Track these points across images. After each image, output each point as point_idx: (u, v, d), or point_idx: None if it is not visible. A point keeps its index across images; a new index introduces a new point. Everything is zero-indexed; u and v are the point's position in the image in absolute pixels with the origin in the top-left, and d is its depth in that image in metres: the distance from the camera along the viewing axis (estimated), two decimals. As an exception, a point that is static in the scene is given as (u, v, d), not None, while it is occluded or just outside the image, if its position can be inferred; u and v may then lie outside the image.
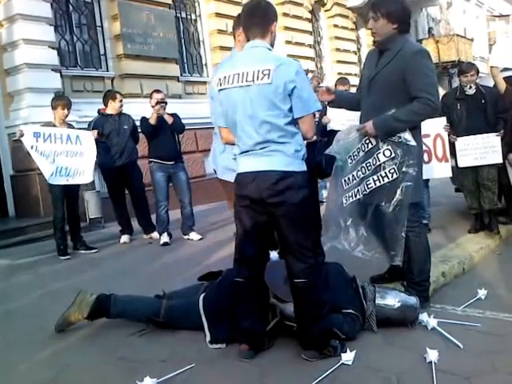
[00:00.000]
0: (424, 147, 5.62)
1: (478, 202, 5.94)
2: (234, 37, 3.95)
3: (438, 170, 5.69)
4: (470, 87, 5.74)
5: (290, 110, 2.87)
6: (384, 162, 3.48)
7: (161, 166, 6.55)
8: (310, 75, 3.93)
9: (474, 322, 3.51)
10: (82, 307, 3.56)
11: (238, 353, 3.12)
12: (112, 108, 6.77)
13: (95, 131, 6.46)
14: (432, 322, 3.41)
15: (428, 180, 5.99)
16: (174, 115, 6.63)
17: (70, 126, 6.57)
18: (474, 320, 3.56)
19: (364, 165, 3.60)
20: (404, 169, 3.44)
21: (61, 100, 6.35)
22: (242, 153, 3.01)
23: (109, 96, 6.85)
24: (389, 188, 3.49)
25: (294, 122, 2.92)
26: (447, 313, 3.73)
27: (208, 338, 3.31)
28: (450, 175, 5.99)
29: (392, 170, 3.47)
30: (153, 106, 6.47)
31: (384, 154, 3.48)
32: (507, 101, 5.89)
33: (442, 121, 5.74)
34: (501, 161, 5.74)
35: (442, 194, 7.81)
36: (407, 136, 3.41)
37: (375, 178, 3.55)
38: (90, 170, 6.35)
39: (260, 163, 2.91)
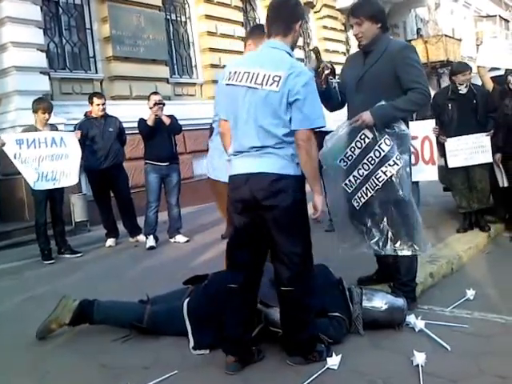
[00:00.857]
0: (412, 149, 5.62)
1: (467, 202, 5.93)
2: (245, 45, 3.90)
3: (424, 173, 5.63)
4: (466, 86, 5.72)
5: (291, 120, 2.79)
6: (388, 151, 3.43)
7: (155, 167, 6.54)
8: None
9: (461, 323, 3.48)
10: (65, 313, 3.50)
11: (225, 366, 2.98)
12: (93, 111, 6.71)
13: (78, 132, 6.40)
14: (419, 324, 3.37)
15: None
16: (172, 117, 6.62)
17: (54, 128, 6.49)
18: (462, 321, 3.53)
19: (366, 161, 3.53)
20: (402, 155, 3.45)
21: (41, 103, 6.26)
22: (236, 153, 2.93)
23: (89, 99, 6.80)
24: (400, 177, 3.44)
25: (293, 133, 2.81)
26: (435, 314, 3.70)
27: (192, 343, 3.25)
28: (437, 178, 5.98)
29: (398, 157, 3.43)
30: (151, 108, 6.47)
31: (385, 143, 3.43)
32: (494, 100, 5.89)
33: (431, 123, 5.73)
34: (491, 160, 5.74)
35: (430, 193, 7.77)
36: (402, 126, 3.45)
37: (384, 169, 3.46)
38: (76, 172, 6.29)
39: (254, 165, 2.83)
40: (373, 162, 3.50)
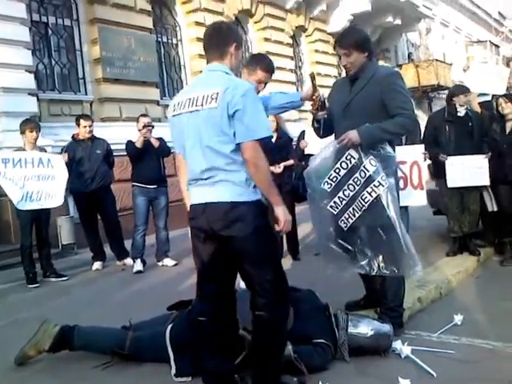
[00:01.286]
0: (400, 174, 5.62)
1: (459, 226, 5.93)
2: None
3: (412, 198, 5.64)
4: (466, 108, 5.76)
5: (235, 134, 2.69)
6: (373, 172, 3.41)
7: (142, 189, 6.49)
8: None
9: (448, 349, 3.44)
10: (45, 338, 3.43)
11: None
12: (80, 133, 6.69)
13: (66, 155, 6.36)
14: (406, 350, 3.33)
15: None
16: (160, 139, 6.57)
17: (42, 150, 6.46)
18: (449, 347, 3.49)
19: (351, 181, 3.50)
20: (388, 178, 3.42)
21: (28, 123, 6.25)
22: (191, 181, 2.86)
23: (76, 121, 6.78)
24: (386, 198, 3.40)
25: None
26: (422, 340, 3.66)
27: (173, 370, 3.19)
28: (425, 203, 5.98)
29: (384, 178, 3.41)
30: (139, 130, 6.43)
31: (371, 163, 3.41)
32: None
33: (420, 148, 5.75)
34: (488, 183, 5.73)
35: (421, 216, 7.76)
36: (388, 148, 3.45)
37: (369, 190, 3.44)
38: (61, 193, 6.22)
39: (208, 194, 2.74)
40: (358, 182, 3.47)
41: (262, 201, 2.77)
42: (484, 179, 5.72)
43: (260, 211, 2.75)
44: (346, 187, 3.53)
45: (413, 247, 3.41)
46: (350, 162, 3.48)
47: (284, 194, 4.48)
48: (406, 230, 3.44)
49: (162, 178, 6.70)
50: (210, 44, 2.92)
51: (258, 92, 3.57)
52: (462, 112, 5.76)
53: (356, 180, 3.48)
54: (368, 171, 3.42)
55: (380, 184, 3.39)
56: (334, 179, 3.57)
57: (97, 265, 6.85)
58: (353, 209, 3.53)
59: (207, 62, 2.96)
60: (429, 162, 6.08)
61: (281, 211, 2.75)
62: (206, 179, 2.74)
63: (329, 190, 3.61)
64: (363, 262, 3.51)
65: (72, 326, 3.49)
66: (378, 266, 3.47)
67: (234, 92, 2.64)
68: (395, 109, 3.47)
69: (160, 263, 6.64)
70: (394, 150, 3.60)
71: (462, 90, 5.92)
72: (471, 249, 5.98)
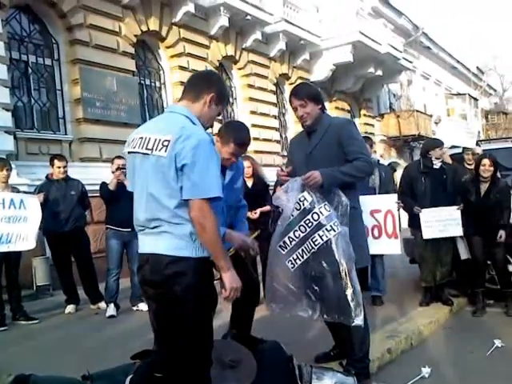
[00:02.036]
0: (375, 222, 5.69)
1: (432, 276, 5.94)
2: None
3: (387, 246, 5.69)
4: (442, 161, 5.86)
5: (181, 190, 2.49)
6: (326, 217, 3.44)
7: (116, 232, 6.37)
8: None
9: (414, 404, 3.38)
10: (-2, 388, 3.28)
11: None
12: (54, 173, 6.64)
13: (41, 195, 6.28)
14: (370, 404, 3.27)
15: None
16: None
17: (15, 190, 6.37)
18: (414, 401, 3.44)
19: (303, 223, 3.51)
20: (342, 226, 3.44)
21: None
22: (137, 227, 2.68)
23: (50, 161, 6.73)
24: (337, 243, 3.41)
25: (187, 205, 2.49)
26: (389, 393, 3.60)
27: (131, 423, 3.06)
28: (399, 252, 6.04)
29: (336, 223, 3.43)
30: (113, 172, 6.36)
31: (325, 208, 3.44)
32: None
33: (393, 197, 5.82)
34: (461, 233, 5.82)
35: (399, 264, 7.79)
36: (343, 197, 3.49)
37: (321, 233, 3.44)
38: (34, 236, 6.09)
39: (153, 244, 2.56)
40: (310, 224, 3.48)
41: (207, 259, 2.54)
42: (458, 230, 5.80)
43: (202, 270, 2.52)
44: (297, 228, 3.54)
45: (360, 296, 3.38)
46: (303, 204, 3.51)
47: (261, 239, 4.47)
48: (356, 278, 3.41)
49: None
50: (189, 83, 2.77)
51: (230, 165, 3.60)
52: (437, 165, 5.86)
53: (308, 222, 3.49)
54: (322, 214, 3.44)
55: (332, 229, 3.41)
56: (287, 219, 3.59)
57: (70, 308, 6.69)
58: (302, 250, 3.53)
59: (178, 101, 2.81)
60: (402, 211, 6.14)
61: (228, 277, 2.52)
62: (152, 228, 2.57)
63: (281, 230, 3.62)
64: (306, 306, 3.49)
65: (27, 375, 3.30)
66: (321, 310, 3.44)
67: (185, 143, 2.43)
68: (354, 154, 3.59)
69: (135, 308, 6.50)
70: (358, 201, 3.76)
71: (437, 143, 6.06)
72: (444, 299, 5.99)
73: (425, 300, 5.98)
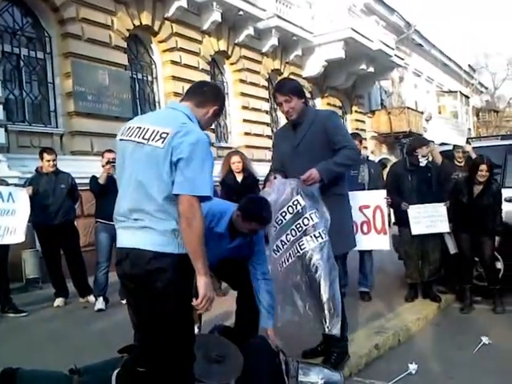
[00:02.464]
0: (364, 218, 5.72)
1: (417, 273, 5.99)
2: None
3: (375, 242, 5.73)
4: (427, 159, 5.89)
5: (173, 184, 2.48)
6: (316, 223, 3.53)
7: (106, 226, 6.31)
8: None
9: (401, 399, 3.42)
10: (-16, 382, 3.28)
11: None
12: (44, 166, 6.62)
13: (30, 188, 6.26)
14: (356, 400, 3.30)
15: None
16: None
17: (3, 183, 6.35)
18: (401, 397, 3.47)
19: (294, 227, 3.61)
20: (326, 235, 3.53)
21: None
22: (118, 218, 2.67)
23: (39, 154, 6.70)
24: (321, 252, 3.50)
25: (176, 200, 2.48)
26: (375, 389, 3.63)
27: (119, 418, 3.06)
28: (388, 248, 6.08)
29: (324, 232, 3.52)
30: (103, 166, 6.34)
31: (316, 215, 3.53)
32: (443, 173, 6.09)
33: (382, 193, 5.86)
34: (448, 230, 5.89)
35: (388, 260, 7.82)
36: (325, 209, 3.58)
37: (308, 238, 3.54)
38: (22, 229, 6.07)
39: (134, 238, 2.54)
40: (300, 229, 3.58)
41: (189, 256, 2.51)
42: (444, 226, 5.86)
43: (184, 266, 2.50)
44: (289, 232, 3.65)
45: (340, 306, 3.47)
46: (296, 208, 3.59)
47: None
48: (338, 287, 3.52)
49: None
50: (196, 89, 2.82)
51: (250, 237, 3.57)
52: (423, 162, 5.90)
53: (298, 226, 3.58)
54: (312, 220, 3.53)
55: (320, 236, 3.50)
56: (280, 222, 3.68)
57: (58, 301, 6.68)
58: (289, 254, 3.64)
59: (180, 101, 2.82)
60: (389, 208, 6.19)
61: (203, 283, 2.49)
62: (133, 220, 2.55)
63: (274, 234, 3.72)
64: (291, 307, 3.60)
65: (14, 369, 3.30)
66: (304, 312, 3.54)
67: (183, 138, 2.44)
68: (341, 142, 3.72)
69: (123, 301, 6.49)
70: (346, 188, 3.94)
71: (424, 142, 6.13)
72: (432, 295, 6.04)
73: (410, 295, 6.05)
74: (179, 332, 2.56)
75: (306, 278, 3.56)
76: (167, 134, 2.47)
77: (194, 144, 2.44)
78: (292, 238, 3.60)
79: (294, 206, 3.57)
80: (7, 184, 6.44)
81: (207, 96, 2.75)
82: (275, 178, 3.76)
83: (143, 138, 2.54)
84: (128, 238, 2.58)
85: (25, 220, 6.10)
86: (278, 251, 3.71)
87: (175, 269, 2.48)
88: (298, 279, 3.58)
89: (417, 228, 5.86)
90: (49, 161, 6.57)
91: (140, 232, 2.52)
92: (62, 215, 6.56)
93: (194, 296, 2.53)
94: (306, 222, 3.54)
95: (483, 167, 5.65)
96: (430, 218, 5.85)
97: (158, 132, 2.51)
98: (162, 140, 2.47)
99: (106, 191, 6.23)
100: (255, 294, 3.62)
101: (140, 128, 2.59)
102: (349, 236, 3.94)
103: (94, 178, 6.44)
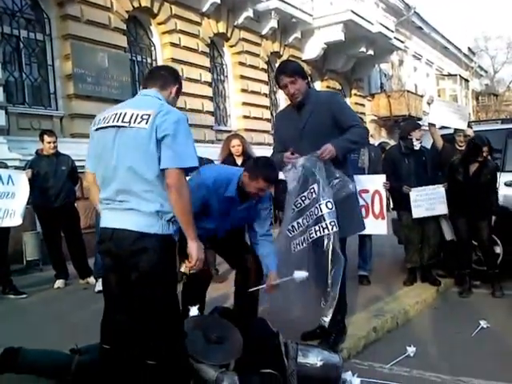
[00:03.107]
0: (362, 202, 5.72)
1: (417, 256, 6.02)
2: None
3: (373, 227, 5.72)
4: (420, 142, 5.89)
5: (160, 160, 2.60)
6: (327, 213, 3.55)
7: None
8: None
9: (398, 381, 3.47)
10: (-13, 361, 3.32)
11: None
12: (44, 149, 6.62)
13: (29, 171, 6.27)
14: (355, 382, 3.34)
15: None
16: None
17: (2, 165, 6.35)
18: (399, 379, 3.52)
19: (308, 213, 3.66)
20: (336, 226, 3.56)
21: None
22: (103, 201, 2.75)
23: (40, 136, 6.69)
24: (326, 242, 3.56)
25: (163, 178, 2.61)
26: (374, 371, 3.67)
27: (119, 396, 3.11)
28: (385, 233, 6.09)
29: (333, 223, 3.53)
30: None
31: (327, 205, 3.55)
32: (444, 157, 6.07)
33: (381, 178, 5.85)
34: (447, 212, 5.88)
35: (388, 244, 7.84)
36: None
37: (316, 228, 3.60)
38: (20, 212, 6.08)
39: (119, 219, 2.65)
40: (312, 216, 3.63)
41: (172, 237, 2.67)
42: (443, 208, 5.88)
43: (167, 247, 2.65)
44: (305, 216, 3.69)
45: (335, 301, 3.54)
46: (312, 196, 3.62)
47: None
48: (339, 281, 3.57)
49: None
50: (154, 74, 2.95)
51: (259, 198, 3.69)
52: (417, 146, 5.90)
53: (311, 214, 3.63)
54: (321, 211, 3.56)
55: (327, 227, 3.54)
56: (298, 205, 3.73)
57: (59, 283, 6.71)
58: (303, 238, 3.70)
59: (144, 88, 2.93)
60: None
61: (194, 247, 2.67)
62: (118, 202, 2.66)
63: (291, 214, 3.76)
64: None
65: (16, 348, 3.36)
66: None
67: (166, 117, 2.59)
68: (349, 122, 3.76)
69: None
70: (351, 170, 4.03)
71: (416, 125, 6.11)
72: (431, 279, 6.06)
73: (409, 280, 6.08)
74: (165, 309, 2.66)
75: (312, 264, 3.63)
76: (149, 115, 2.58)
77: (177, 122, 2.58)
78: (306, 224, 3.67)
79: (311, 194, 3.62)
80: (6, 166, 6.45)
81: (166, 78, 2.90)
82: (292, 153, 3.72)
83: (123, 121, 2.63)
84: (113, 218, 2.68)
85: (23, 203, 6.11)
86: (294, 231, 3.79)
87: (160, 249, 2.60)
88: (306, 265, 3.64)
89: (417, 211, 5.87)
90: (49, 143, 6.56)
91: (125, 213, 2.63)
92: (63, 197, 6.57)
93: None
94: (316, 211, 3.60)
95: (485, 149, 5.63)
96: (429, 201, 5.85)
97: (138, 115, 2.61)
98: (145, 121, 2.58)
99: None
100: (256, 251, 3.81)
101: (117, 114, 2.68)
102: (359, 218, 4.04)
103: None
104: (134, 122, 2.60)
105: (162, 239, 2.62)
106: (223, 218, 3.71)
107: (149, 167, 2.58)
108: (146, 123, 2.57)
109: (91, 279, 6.70)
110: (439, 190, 5.86)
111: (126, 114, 2.65)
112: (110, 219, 2.69)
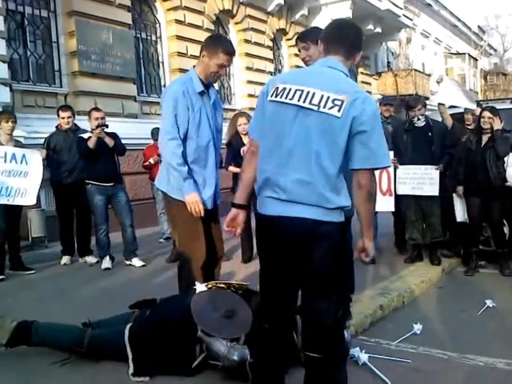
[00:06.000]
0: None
1: (419, 233, 6.02)
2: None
3: (381, 204, 5.73)
4: (419, 119, 5.85)
5: (351, 157, 2.32)
6: None
7: (99, 188, 6.29)
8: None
9: (406, 358, 3.49)
10: (2, 334, 3.37)
11: None
12: (61, 124, 6.63)
13: (44, 151, 6.26)
14: (363, 357, 3.36)
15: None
16: (114, 136, 6.37)
17: (18, 143, 6.33)
18: (406, 355, 3.54)
19: None
20: None
21: (3, 113, 6.15)
22: (275, 190, 2.39)
23: (57, 112, 6.69)
24: None
25: (342, 174, 2.34)
26: (381, 348, 3.70)
27: (131, 370, 3.15)
28: (393, 209, 6.09)
29: None
30: (93, 129, 6.16)
31: None
32: (454, 136, 6.03)
33: (390, 155, 5.81)
34: (437, 193, 5.85)
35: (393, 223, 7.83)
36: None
37: None
38: (34, 192, 6.07)
39: (292, 208, 2.33)
40: None
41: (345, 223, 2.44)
42: (433, 189, 5.84)
43: (344, 232, 2.45)
44: None
45: None
46: None
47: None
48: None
49: (119, 175, 6.54)
50: (339, 35, 2.50)
51: (218, 77, 3.79)
52: (419, 123, 5.88)
53: None
54: None
55: None
56: None
57: (65, 259, 6.75)
58: None
59: (326, 53, 2.49)
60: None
61: (371, 247, 2.43)
62: (297, 194, 2.33)
63: None
64: None
65: (30, 322, 3.44)
66: None
67: (363, 107, 2.26)
68: None
69: (128, 262, 6.55)
70: None
71: (409, 105, 6.08)
72: (435, 258, 6.06)
73: (410, 257, 6.13)
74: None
75: None
76: (342, 101, 2.26)
77: (374, 115, 2.30)
78: None
79: None
80: (22, 145, 6.44)
81: (353, 42, 2.51)
82: None
83: (310, 103, 2.30)
84: (284, 207, 2.36)
85: (37, 183, 6.11)
86: None
87: (338, 234, 2.38)
88: None
89: (401, 188, 5.93)
90: (63, 118, 6.57)
91: (302, 206, 2.33)
92: (77, 174, 6.57)
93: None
94: None
95: (485, 114, 5.66)
96: (417, 180, 5.86)
97: (329, 98, 2.28)
98: (338, 108, 2.25)
99: (96, 154, 6.17)
100: None
101: (303, 92, 2.33)
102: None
103: (81, 140, 6.26)
104: (324, 107, 2.27)
105: (339, 226, 2.37)
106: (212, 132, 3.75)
107: (333, 162, 2.29)
108: (339, 111, 2.24)
109: (89, 258, 6.73)
110: (431, 172, 5.83)
111: (314, 94, 2.30)
112: (280, 207, 2.38)
